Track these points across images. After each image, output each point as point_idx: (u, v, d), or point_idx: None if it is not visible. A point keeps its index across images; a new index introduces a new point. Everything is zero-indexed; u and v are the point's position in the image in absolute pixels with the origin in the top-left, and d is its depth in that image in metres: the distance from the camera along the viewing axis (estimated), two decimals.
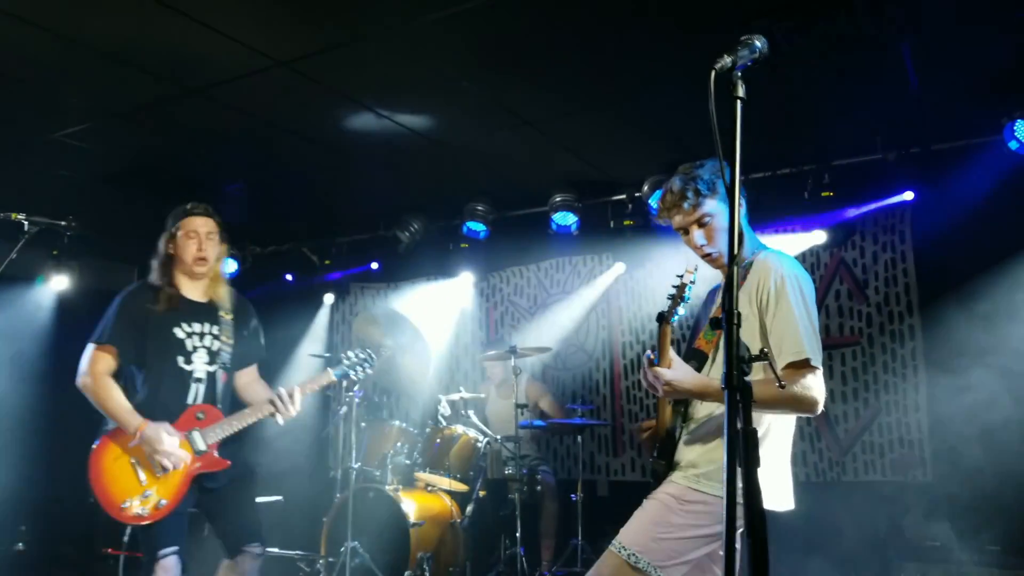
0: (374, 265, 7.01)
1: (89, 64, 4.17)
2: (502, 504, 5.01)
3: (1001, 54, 4.15)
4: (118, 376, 3.28)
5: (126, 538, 3.31)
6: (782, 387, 1.64)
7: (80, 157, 5.43)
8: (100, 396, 3.18)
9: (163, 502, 3.14)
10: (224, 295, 3.48)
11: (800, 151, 5.31)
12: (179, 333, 3.32)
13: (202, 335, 3.37)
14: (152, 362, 3.27)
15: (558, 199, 5.91)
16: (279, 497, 5.93)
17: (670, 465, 2.49)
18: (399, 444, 5.01)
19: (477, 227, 6.20)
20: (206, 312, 3.41)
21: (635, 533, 2.38)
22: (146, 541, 3.14)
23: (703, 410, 2.50)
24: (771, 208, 5.47)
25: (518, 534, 4.79)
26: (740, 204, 2.54)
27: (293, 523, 5.94)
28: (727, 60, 1.59)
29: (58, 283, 6.73)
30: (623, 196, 5.93)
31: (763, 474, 2.38)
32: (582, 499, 5.07)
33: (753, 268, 2.49)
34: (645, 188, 5.61)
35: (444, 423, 5.11)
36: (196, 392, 3.32)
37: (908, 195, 5.26)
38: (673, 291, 2.44)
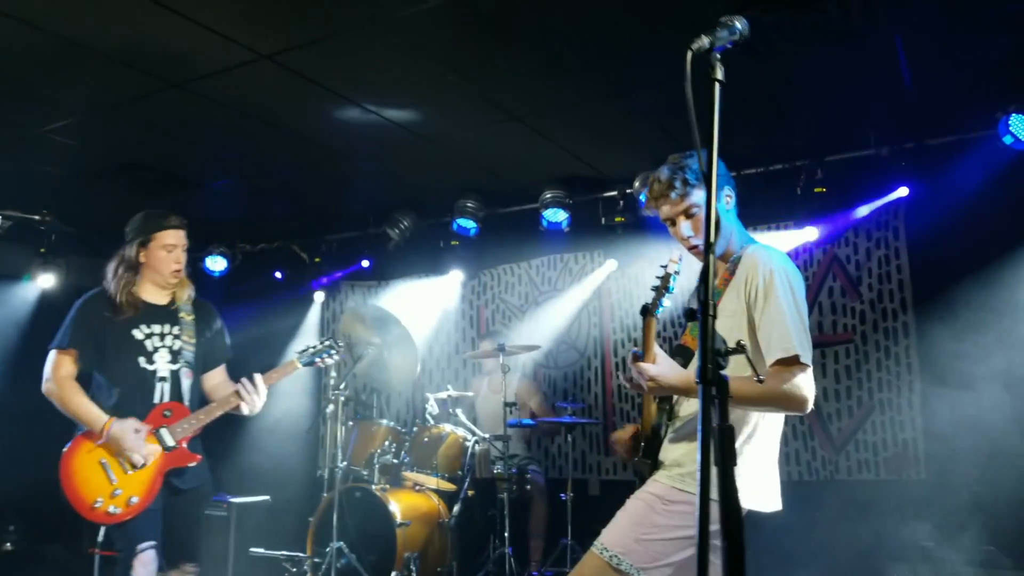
0: (365, 263, 6.95)
1: (71, 58, 4.10)
2: (491, 504, 4.95)
3: (995, 48, 4.10)
4: (85, 383, 3.29)
5: (100, 538, 3.24)
6: (760, 381, 1.58)
7: (65, 153, 5.37)
8: (64, 399, 3.21)
9: (135, 499, 3.13)
10: (185, 298, 3.50)
11: (793, 146, 5.26)
12: (138, 335, 3.33)
13: (162, 335, 3.37)
14: (114, 365, 3.28)
15: (548, 196, 5.85)
16: (267, 497, 5.87)
17: (655, 464, 2.43)
18: (387, 443, 4.95)
19: (467, 224, 6.14)
20: (166, 314, 3.42)
21: (617, 534, 2.32)
22: (122, 537, 3.15)
23: (689, 407, 2.44)
24: (763, 204, 5.41)
25: (506, 534, 4.73)
26: (730, 196, 2.52)
27: (280, 523, 5.88)
28: (705, 41, 1.52)
29: (44, 281, 6.69)
30: (614, 193, 5.87)
31: (750, 474, 2.36)
32: (572, 498, 5.00)
33: (742, 263, 2.43)
34: (636, 184, 5.56)
35: (432, 422, 5.05)
36: (161, 391, 3.33)
37: (903, 191, 5.20)
38: (657, 282, 2.37)
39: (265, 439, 6.97)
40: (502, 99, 4.64)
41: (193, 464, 3.30)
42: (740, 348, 1.42)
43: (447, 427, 4.97)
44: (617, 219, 5.88)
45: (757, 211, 5.42)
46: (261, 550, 5.29)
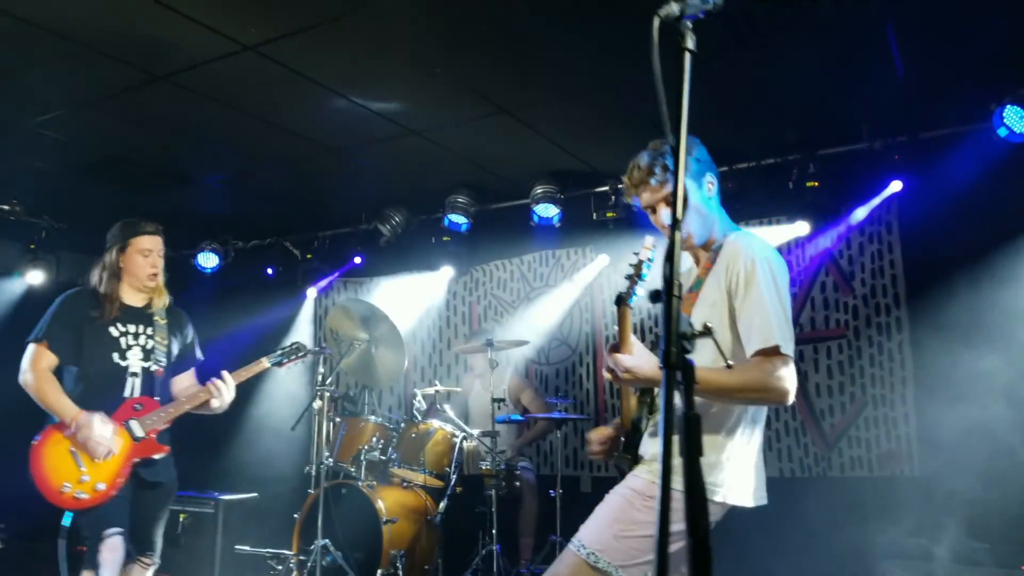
0: (357, 260, 6.90)
1: (55, 50, 4.05)
2: (479, 501, 4.90)
3: (989, 37, 4.04)
4: (59, 375, 3.44)
5: (66, 522, 3.30)
6: (729, 366, 1.52)
7: (52, 148, 5.32)
8: (40, 391, 3.34)
9: (101, 485, 3.25)
10: (162, 304, 3.68)
11: (785, 140, 5.20)
12: (113, 332, 3.50)
13: (136, 335, 3.55)
14: (88, 360, 3.43)
15: (539, 191, 5.79)
16: (254, 494, 5.82)
17: (635, 459, 2.38)
18: (374, 439, 4.89)
19: (459, 220, 6.09)
20: (141, 316, 3.61)
21: (595, 531, 2.26)
22: (89, 524, 3.26)
23: None
24: (755, 199, 5.36)
25: (494, 531, 4.68)
26: (712, 183, 2.46)
27: (269, 520, 5.83)
28: (674, 7, 1.43)
29: (33, 277, 6.66)
30: (606, 188, 5.82)
31: (734, 467, 2.31)
32: (562, 496, 4.95)
33: (723, 251, 2.37)
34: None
35: (419, 418, 5.00)
36: (132, 386, 3.49)
37: (896, 185, 5.14)
38: (630, 270, 2.30)
39: (256, 436, 6.93)
40: (490, 91, 4.58)
41: (161, 455, 3.45)
42: (707, 331, 1.36)
43: (435, 423, 4.92)
44: (609, 214, 5.83)
45: (749, 206, 5.37)
46: (247, 548, 5.24)
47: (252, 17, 3.79)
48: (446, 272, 6.78)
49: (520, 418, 5.36)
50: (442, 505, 4.67)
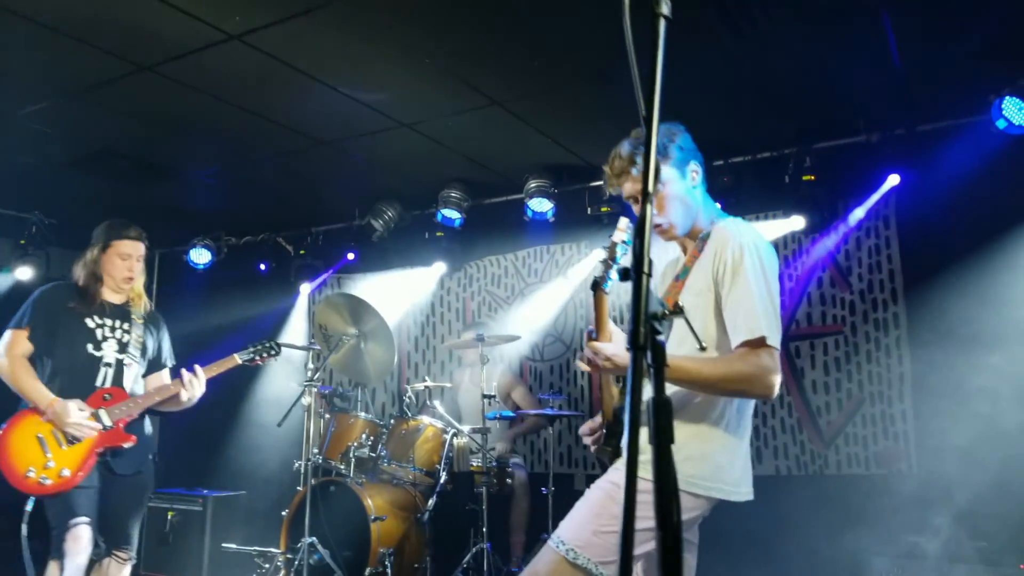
0: (350, 256, 6.84)
1: (39, 40, 3.97)
2: (470, 498, 4.83)
3: (987, 27, 3.96)
4: (33, 363, 3.51)
5: (28, 507, 3.33)
6: (702, 349, 1.45)
7: (41, 141, 5.26)
8: (15, 376, 3.41)
9: (66, 471, 3.28)
10: (141, 307, 3.77)
11: (780, 134, 5.13)
12: (90, 323, 3.57)
13: (113, 328, 3.62)
14: (63, 349, 3.49)
15: (533, 185, 5.72)
16: (243, 491, 5.76)
17: (616, 451, 2.31)
18: (364, 436, 4.83)
19: (452, 215, 6.03)
20: (119, 312, 3.69)
21: (575, 526, 2.19)
22: (56, 512, 3.26)
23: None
24: (751, 193, 5.28)
25: (485, 529, 4.61)
26: (696, 171, 2.38)
27: (257, 518, 5.78)
28: None
29: (23, 273, 6.60)
30: (600, 182, 5.74)
31: (719, 460, 2.24)
32: (555, 493, 4.88)
33: (711, 238, 2.30)
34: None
35: (409, 414, 4.93)
36: (105, 375, 3.54)
37: (894, 179, 5.07)
38: (604, 253, 2.22)
39: (246, 433, 6.87)
40: (481, 83, 4.50)
41: (129, 445, 3.46)
42: (678, 310, 1.29)
43: (425, 419, 4.85)
44: (603, 209, 5.76)
45: (745, 200, 5.30)
46: (233, 546, 5.17)
47: (236, 5, 3.72)
48: (439, 268, 6.71)
49: (511, 414, 5.30)
50: (431, 502, 4.59)
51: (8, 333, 3.51)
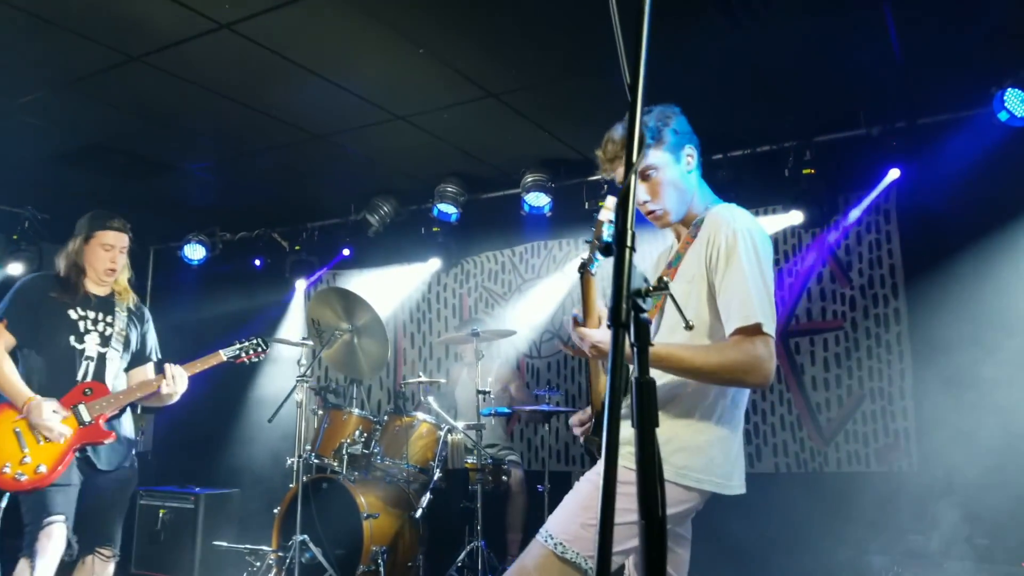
0: (346, 252, 6.79)
1: (27, 30, 3.91)
2: (464, 495, 4.76)
3: (989, 18, 3.90)
4: (14, 355, 3.41)
5: (3, 503, 3.28)
6: (689, 328, 1.38)
7: (33, 134, 5.20)
8: None
9: (43, 468, 3.19)
10: (126, 299, 3.69)
11: (780, 127, 5.07)
12: (72, 315, 3.48)
13: (95, 321, 3.53)
14: (45, 341, 3.41)
15: (530, 179, 5.66)
16: (235, 489, 5.70)
17: None
18: (357, 433, 4.77)
19: (448, 210, 5.97)
20: (103, 304, 3.60)
21: (563, 520, 2.12)
22: (30, 509, 3.19)
23: None
24: (750, 187, 5.21)
25: (479, 527, 4.54)
26: (692, 155, 2.31)
27: (251, 515, 5.72)
28: None
29: (14, 269, 6.54)
30: (598, 177, 5.68)
31: (710, 451, 2.17)
32: (550, 490, 4.81)
33: (704, 224, 2.24)
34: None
35: (404, 410, 4.87)
36: (86, 369, 3.44)
37: (894, 173, 5.00)
38: (591, 234, 2.14)
39: (238, 430, 6.81)
40: (477, 74, 4.44)
41: (109, 441, 3.37)
42: (662, 286, 1.23)
43: (419, 416, 4.79)
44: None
45: (744, 194, 5.22)
46: (224, 543, 5.11)
47: None
48: (436, 263, 6.66)
49: (507, 410, 5.23)
50: (425, 500, 4.53)
51: None
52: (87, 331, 3.48)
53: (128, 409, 3.56)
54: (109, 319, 3.57)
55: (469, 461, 4.78)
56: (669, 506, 2.07)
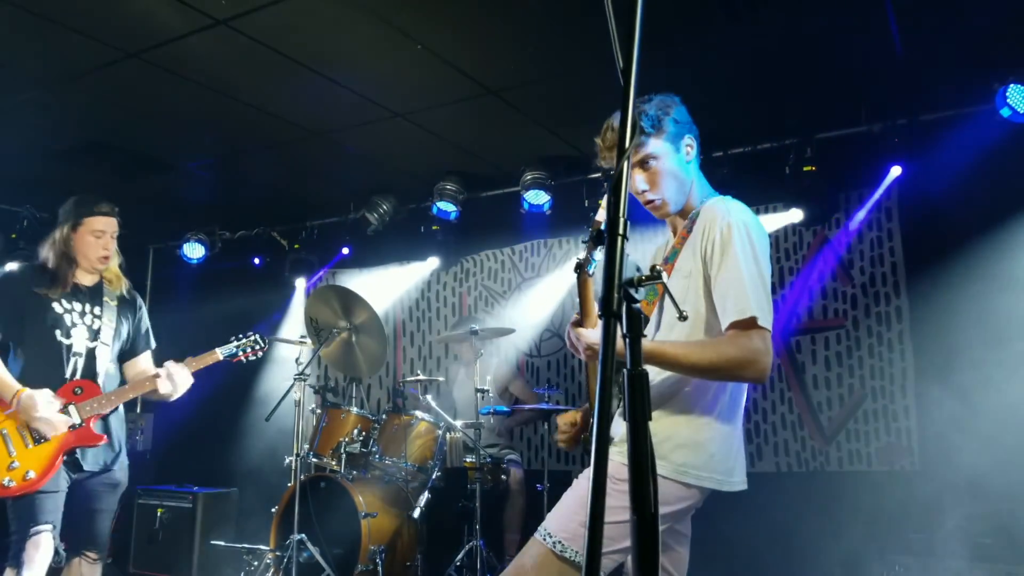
0: (345, 251, 6.77)
1: (23, 25, 3.89)
2: (463, 495, 4.74)
3: (991, 14, 3.87)
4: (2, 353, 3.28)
5: None
6: (683, 318, 1.36)
7: (32, 133, 5.19)
8: None
9: (31, 474, 3.04)
10: (114, 285, 3.52)
11: (781, 124, 5.04)
12: (58, 308, 3.32)
13: (83, 313, 3.38)
14: (30, 336, 3.26)
15: (529, 177, 5.63)
16: (234, 488, 5.67)
17: None
18: (355, 431, 4.74)
19: (448, 208, 5.94)
20: (90, 295, 3.44)
21: (562, 518, 2.10)
22: (17, 516, 3.05)
23: None
24: (751, 185, 5.18)
25: (477, 526, 4.52)
26: (691, 146, 2.28)
27: (249, 514, 5.69)
28: None
29: (13, 268, 6.52)
30: (599, 174, 5.65)
31: (710, 447, 2.14)
32: (549, 489, 4.79)
33: (700, 217, 2.21)
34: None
35: (402, 409, 4.85)
36: (75, 365, 3.29)
37: (896, 170, 4.97)
38: (587, 234, 2.12)
39: (237, 429, 6.79)
40: (475, 71, 4.41)
41: (101, 444, 3.24)
42: (655, 275, 1.20)
43: (418, 414, 4.77)
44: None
45: (744, 192, 5.18)
46: (222, 543, 5.09)
47: None
48: (435, 262, 6.64)
49: (505, 409, 5.20)
50: (424, 499, 4.50)
51: None
52: (74, 325, 3.31)
53: (120, 408, 3.42)
54: (97, 311, 3.40)
55: (468, 460, 4.76)
56: (669, 504, 2.04)
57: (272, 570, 4.47)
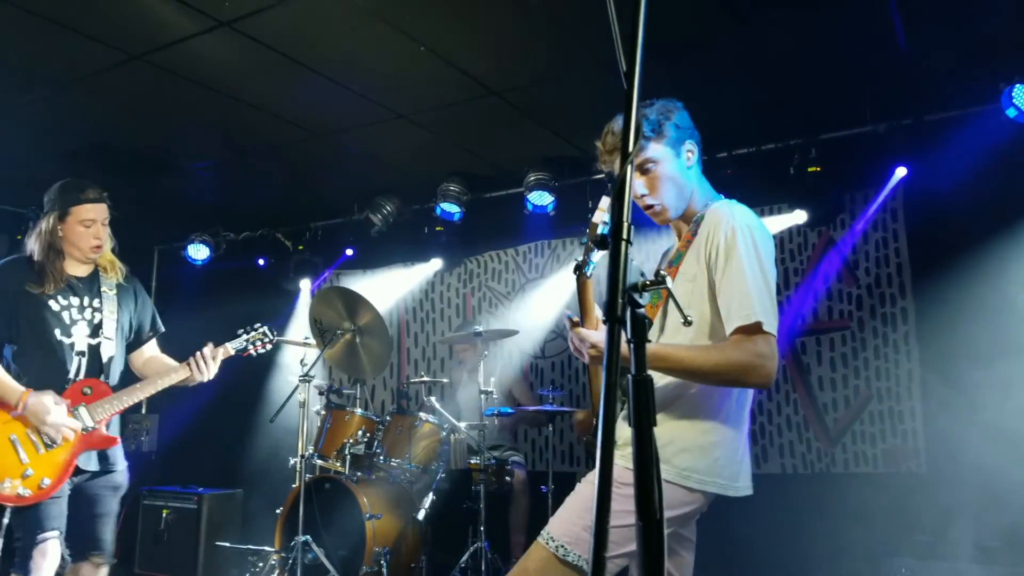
0: (349, 252, 6.77)
1: (26, 28, 3.89)
2: (467, 496, 4.73)
3: (997, 13, 3.85)
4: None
5: (5, 519, 2.94)
6: (688, 323, 1.34)
7: (37, 135, 5.19)
8: None
9: (46, 481, 2.91)
10: (111, 273, 3.34)
11: (785, 124, 5.02)
12: (54, 306, 3.13)
13: (81, 308, 3.19)
14: (28, 337, 3.08)
15: (532, 179, 5.63)
16: (238, 489, 5.67)
17: None
18: (360, 433, 4.74)
19: (451, 209, 5.94)
20: (87, 287, 3.25)
21: (565, 522, 2.09)
22: (24, 523, 2.92)
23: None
24: (755, 186, 5.17)
25: (482, 528, 4.51)
26: (692, 151, 2.28)
27: (255, 516, 5.70)
28: None
29: None
30: (602, 175, 5.65)
31: (715, 452, 2.13)
32: (553, 491, 4.77)
33: (704, 221, 2.20)
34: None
35: (407, 410, 4.84)
36: (79, 365, 3.13)
37: (901, 171, 4.95)
38: (586, 236, 2.12)
39: (242, 429, 6.80)
40: (478, 72, 4.41)
41: (112, 447, 3.14)
42: (660, 280, 1.19)
43: (422, 416, 4.76)
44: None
45: (748, 193, 5.16)
46: (227, 544, 5.09)
47: None
48: (439, 263, 6.63)
49: (509, 410, 5.19)
50: (428, 500, 4.49)
51: None
52: (73, 322, 3.13)
53: None
54: (96, 303, 3.21)
55: (472, 462, 4.75)
56: (673, 508, 2.03)
57: (277, 571, 4.47)
